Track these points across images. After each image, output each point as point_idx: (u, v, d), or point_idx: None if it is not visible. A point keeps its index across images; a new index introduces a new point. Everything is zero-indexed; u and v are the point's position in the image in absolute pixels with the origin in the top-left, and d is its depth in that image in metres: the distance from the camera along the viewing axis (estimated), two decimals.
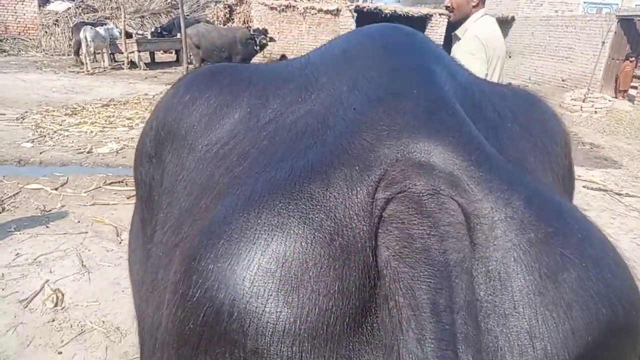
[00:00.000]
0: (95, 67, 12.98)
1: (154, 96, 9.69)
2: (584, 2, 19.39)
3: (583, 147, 8.05)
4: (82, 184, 4.59)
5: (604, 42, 12.88)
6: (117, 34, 13.44)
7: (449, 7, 2.74)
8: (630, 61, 13.30)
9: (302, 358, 0.48)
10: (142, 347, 0.79)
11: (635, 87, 12.67)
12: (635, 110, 11.81)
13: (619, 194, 5.48)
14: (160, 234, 0.75)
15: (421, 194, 0.51)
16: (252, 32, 12.84)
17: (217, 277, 0.50)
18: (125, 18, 14.26)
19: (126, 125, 7.02)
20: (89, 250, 3.30)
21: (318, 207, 0.51)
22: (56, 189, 4.38)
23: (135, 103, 8.74)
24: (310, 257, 0.49)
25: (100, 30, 12.86)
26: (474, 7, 2.64)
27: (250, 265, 0.49)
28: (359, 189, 0.52)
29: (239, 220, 0.52)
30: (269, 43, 12.84)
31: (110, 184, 4.62)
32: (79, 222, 3.75)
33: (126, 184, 4.66)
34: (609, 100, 12.48)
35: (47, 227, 3.62)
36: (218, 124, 0.75)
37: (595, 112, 11.48)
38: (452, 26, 2.82)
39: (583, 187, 5.68)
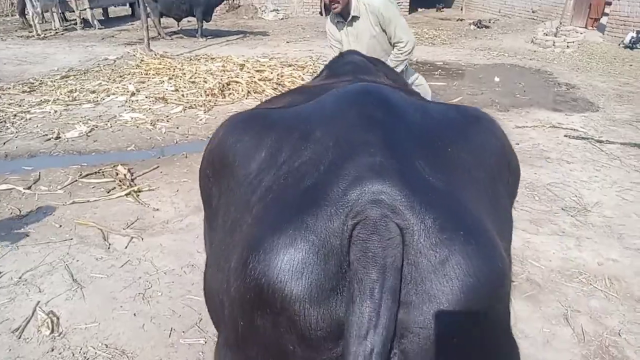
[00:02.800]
0: (46, 30, 12.05)
1: (115, 61, 9.13)
2: None
3: (559, 89, 8.04)
4: (56, 178, 4.34)
5: None
6: None
7: (333, 0, 3.15)
8: None
9: (305, 313, 0.84)
10: (210, 294, 1.16)
11: (607, 14, 12.57)
12: (606, 41, 11.81)
13: (600, 141, 5.53)
14: (222, 233, 1.11)
15: (375, 220, 0.84)
16: None
17: (260, 270, 0.86)
18: None
19: (91, 101, 6.59)
20: (77, 261, 3.16)
21: (311, 231, 0.85)
22: (29, 188, 4.13)
23: (97, 72, 8.20)
24: (308, 259, 0.84)
25: None
26: None
27: (276, 264, 0.85)
28: (335, 219, 0.85)
29: (270, 239, 0.87)
30: None
31: (86, 176, 4.38)
32: (60, 226, 3.56)
33: (103, 175, 4.43)
34: (580, 33, 12.40)
35: (28, 236, 3.43)
36: (252, 160, 1.08)
37: (568, 46, 11.41)
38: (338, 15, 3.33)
39: (565, 136, 5.71)
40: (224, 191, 1.14)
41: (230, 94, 7.00)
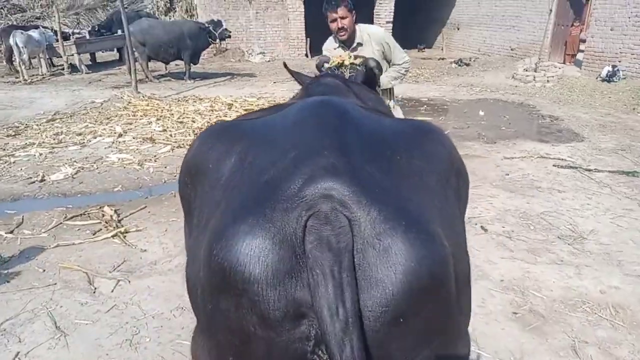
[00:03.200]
0: (33, 75, 12.09)
1: (102, 104, 9.12)
2: None
3: (544, 121, 8.19)
4: (40, 221, 4.20)
5: (551, 10, 13.13)
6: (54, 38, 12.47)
7: (342, 28, 3.42)
8: (576, 26, 13.69)
9: (264, 293, 0.92)
10: (189, 286, 1.21)
11: (582, 51, 13.03)
12: (584, 75, 12.17)
13: (589, 170, 5.57)
14: (196, 232, 1.21)
15: (326, 212, 0.94)
16: (205, 23, 12.26)
17: (223, 255, 0.95)
18: (59, 17, 13.26)
19: (77, 143, 6.52)
20: (61, 307, 2.99)
21: (269, 221, 0.95)
22: (12, 232, 3.98)
23: (84, 114, 8.17)
24: (265, 245, 0.93)
25: (34, 34, 11.93)
26: (355, 22, 3.51)
27: (237, 250, 0.94)
28: (291, 211, 0.95)
29: (232, 227, 0.97)
30: (230, 35, 12.53)
31: (71, 218, 4.25)
32: (44, 271, 3.41)
33: (89, 217, 4.30)
34: (559, 68, 12.81)
35: (8, 282, 3.26)
36: (222, 165, 1.18)
37: (548, 81, 11.74)
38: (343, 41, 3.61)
39: (554, 165, 5.75)
40: (199, 194, 1.25)
41: None
